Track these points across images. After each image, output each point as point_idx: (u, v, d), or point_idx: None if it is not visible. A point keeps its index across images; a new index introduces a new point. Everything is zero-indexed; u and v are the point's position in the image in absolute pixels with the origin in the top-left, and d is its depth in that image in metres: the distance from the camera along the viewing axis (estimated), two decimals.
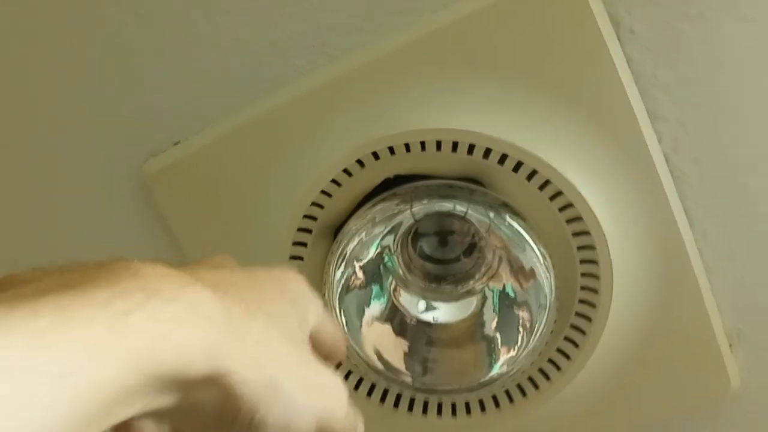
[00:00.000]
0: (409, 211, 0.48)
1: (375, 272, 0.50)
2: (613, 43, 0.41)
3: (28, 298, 0.20)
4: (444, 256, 0.52)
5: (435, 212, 0.48)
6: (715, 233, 0.47)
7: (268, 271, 0.29)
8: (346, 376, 0.50)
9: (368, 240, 0.48)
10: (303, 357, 0.26)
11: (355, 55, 0.43)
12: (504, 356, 0.46)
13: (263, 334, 0.25)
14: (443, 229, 0.52)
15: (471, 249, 0.51)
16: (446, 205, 0.47)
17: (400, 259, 0.51)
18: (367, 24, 0.42)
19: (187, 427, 0.25)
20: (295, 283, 0.30)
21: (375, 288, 0.49)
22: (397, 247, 0.51)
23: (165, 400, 0.22)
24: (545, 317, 0.45)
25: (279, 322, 0.26)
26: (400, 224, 0.49)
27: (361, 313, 0.48)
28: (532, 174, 0.44)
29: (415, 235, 0.51)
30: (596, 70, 0.41)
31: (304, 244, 0.48)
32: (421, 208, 0.47)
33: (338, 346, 0.33)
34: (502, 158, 0.44)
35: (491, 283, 0.49)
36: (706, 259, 0.47)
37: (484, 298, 0.49)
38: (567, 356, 0.48)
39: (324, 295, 0.47)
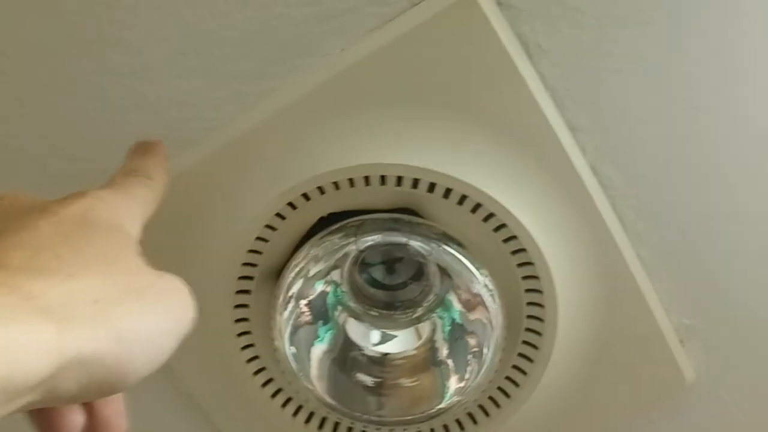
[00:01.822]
0: (353, 245, 0.48)
1: (323, 308, 0.50)
2: (523, 62, 0.42)
3: None
4: (392, 282, 0.52)
5: (379, 243, 0.48)
6: (648, 233, 0.47)
7: (68, 209, 0.27)
8: (296, 412, 0.50)
9: (313, 277, 0.48)
10: (142, 281, 0.26)
11: (268, 101, 0.43)
12: (455, 385, 0.46)
13: (96, 289, 0.24)
14: (389, 257, 0.52)
15: (419, 275, 0.52)
16: (389, 237, 0.47)
17: (349, 291, 0.51)
18: (273, 70, 0.43)
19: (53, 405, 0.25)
20: (101, 204, 0.28)
21: (324, 323, 0.49)
22: (344, 279, 0.51)
23: (20, 402, 0.21)
24: (493, 342, 0.45)
25: (104, 262, 0.25)
26: (345, 257, 0.50)
27: (312, 351, 0.48)
28: (463, 199, 0.44)
29: (362, 265, 0.51)
30: (509, 89, 0.41)
31: (247, 291, 0.48)
32: (364, 240, 0.48)
33: (159, 190, 0.33)
34: (431, 186, 0.44)
35: (440, 310, 0.50)
36: (644, 261, 0.48)
37: (435, 326, 0.49)
38: (521, 374, 0.48)
39: (273, 339, 0.47)
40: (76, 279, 0.24)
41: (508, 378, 0.49)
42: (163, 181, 0.34)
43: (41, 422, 0.26)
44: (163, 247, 0.47)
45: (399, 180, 0.44)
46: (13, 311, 0.21)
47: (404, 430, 0.48)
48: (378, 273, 0.52)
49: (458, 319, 0.48)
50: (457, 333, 0.48)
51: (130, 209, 0.30)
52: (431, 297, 0.50)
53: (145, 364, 0.24)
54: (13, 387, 0.20)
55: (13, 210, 0.27)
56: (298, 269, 0.47)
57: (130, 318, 0.24)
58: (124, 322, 0.24)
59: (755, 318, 0.49)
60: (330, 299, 0.49)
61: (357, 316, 0.50)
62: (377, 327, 0.50)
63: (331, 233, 0.46)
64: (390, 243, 0.48)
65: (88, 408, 0.27)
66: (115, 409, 0.27)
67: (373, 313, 0.51)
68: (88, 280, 0.24)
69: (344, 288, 0.51)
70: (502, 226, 0.44)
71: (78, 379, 0.22)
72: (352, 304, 0.51)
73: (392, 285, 0.52)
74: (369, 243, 0.48)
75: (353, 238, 0.47)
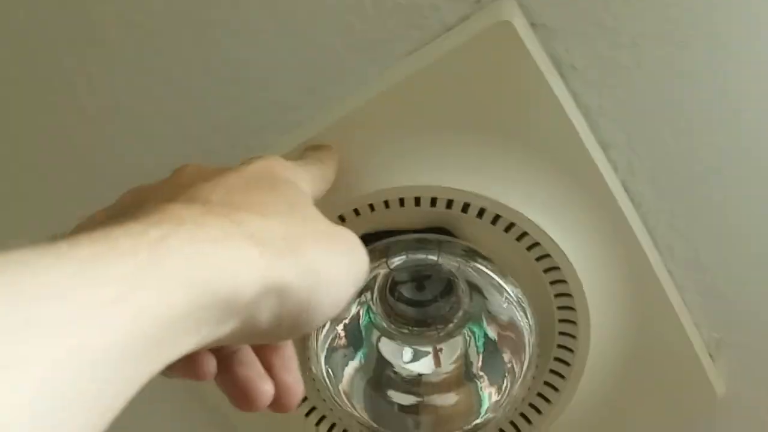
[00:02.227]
0: (384, 266, 0.48)
1: (357, 330, 0.50)
2: (555, 82, 0.42)
3: (65, 236, 0.19)
4: (422, 298, 0.53)
5: (409, 262, 0.48)
6: (680, 248, 0.48)
7: (251, 165, 0.30)
8: (330, 430, 0.50)
9: None
10: (323, 227, 0.28)
11: (304, 127, 0.43)
12: (490, 400, 0.46)
13: (284, 229, 0.25)
14: (419, 275, 0.52)
15: (448, 291, 0.52)
16: (418, 256, 0.48)
17: (381, 311, 0.51)
18: (308, 97, 0.43)
19: (251, 342, 0.27)
20: (278, 166, 0.31)
21: (358, 345, 0.50)
22: (376, 299, 0.51)
23: (229, 326, 0.22)
24: (526, 356, 0.46)
25: (288, 208, 0.27)
26: (375, 278, 0.50)
27: (348, 372, 0.49)
28: (496, 218, 0.44)
29: (392, 284, 0.52)
30: (543, 109, 0.42)
31: None
32: (394, 260, 0.48)
33: (329, 175, 0.37)
34: (465, 207, 0.44)
35: (472, 325, 0.50)
36: (675, 276, 0.48)
37: (468, 341, 0.50)
38: (553, 390, 0.48)
39: (308, 359, 0.48)
40: (267, 217, 0.25)
41: (540, 394, 0.49)
42: (333, 166, 0.38)
43: (237, 392, 0.27)
44: None
45: (433, 201, 0.45)
46: (226, 233, 0.22)
47: None
48: (408, 290, 0.52)
49: (491, 335, 0.48)
50: (490, 348, 0.48)
51: (304, 177, 0.32)
52: (461, 313, 0.51)
53: (331, 303, 0.26)
54: (234, 302, 0.21)
55: (199, 172, 0.29)
56: None
57: (317, 256, 0.25)
58: (314, 258, 0.25)
59: None
60: (363, 321, 0.50)
61: (389, 335, 0.50)
62: (409, 344, 0.51)
63: None
64: (420, 262, 0.49)
65: (271, 373, 0.28)
66: (294, 376, 0.29)
67: (404, 330, 0.51)
68: (277, 220, 0.25)
69: (376, 308, 0.51)
70: (536, 244, 0.45)
71: (273, 309, 0.23)
72: (384, 323, 0.51)
73: (422, 301, 0.52)
74: (400, 262, 0.48)
75: (384, 259, 0.48)
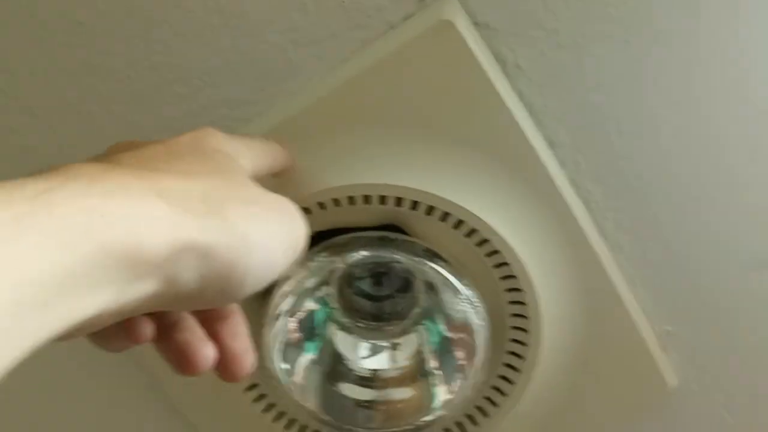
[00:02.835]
0: (339, 263, 0.49)
1: (311, 324, 0.50)
2: (500, 81, 0.43)
3: None
4: (379, 293, 0.53)
5: (366, 258, 0.49)
6: (629, 245, 0.48)
7: (181, 136, 0.29)
8: (288, 426, 0.51)
9: (300, 294, 0.49)
10: (252, 193, 0.26)
11: (253, 125, 0.44)
12: (443, 397, 0.47)
13: (205, 188, 0.24)
14: (377, 270, 0.53)
15: (405, 287, 0.53)
16: (372, 254, 0.48)
17: (338, 304, 0.52)
18: (257, 95, 0.43)
19: (183, 307, 0.26)
20: (210, 136, 0.29)
21: (314, 339, 0.50)
22: (332, 293, 0.52)
23: (144, 287, 0.21)
24: (479, 355, 0.46)
25: (213, 172, 0.26)
26: (332, 273, 0.50)
27: (303, 365, 0.49)
28: (445, 216, 0.45)
29: (349, 278, 0.52)
30: (487, 108, 0.42)
31: None
32: (349, 257, 0.48)
33: (278, 156, 0.35)
34: (414, 204, 0.45)
35: (427, 322, 0.51)
36: (626, 271, 0.49)
37: (422, 338, 0.50)
38: (507, 383, 0.49)
39: (262, 355, 0.48)
40: (185, 178, 0.24)
41: (494, 387, 0.50)
42: (279, 149, 0.36)
43: (176, 356, 0.26)
44: None
45: (382, 199, 0.45)
46: (130, 188, 0.21)
47: None
48: (366, 285, 0.53)
49: (444, 332, 0.49)
50: (444, 346, 0.48)
51: (241, 150, 0.30)
52: (417, 309, 0.51)
53: (261, 266, 0.25)
54: (137, 258, 0.20)
55: (129, 144, 0.28)
56: (285, 287, 0.47)
57: (245, 220, 0.24)
58: (237, 219, 0.24)
59: (735, 323, 0.50)
60: (319, 315, 0.50)
61: (346, 329, 0.51)
62: (366, 338, 0.51)
63: (317, 252, 0.46)
64: (376, 260, 0.49)
65: (218, 341, 0.28)
66: (242, 344, 0.28)
67: (361, 325, 0.52)
68: (197, 182, 0.24)
69: (333, 302, 0.51)
70: (485, 241, 0.45)
71: (198, 270, 0.22)
72: (340, 317, 0.51)
73: (379, 296, 0.53)
74: (355, 260, 0.49)
75: (339, 257, 0.48)
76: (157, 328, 0.26)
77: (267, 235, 0.25)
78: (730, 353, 0.51)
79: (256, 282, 0.25)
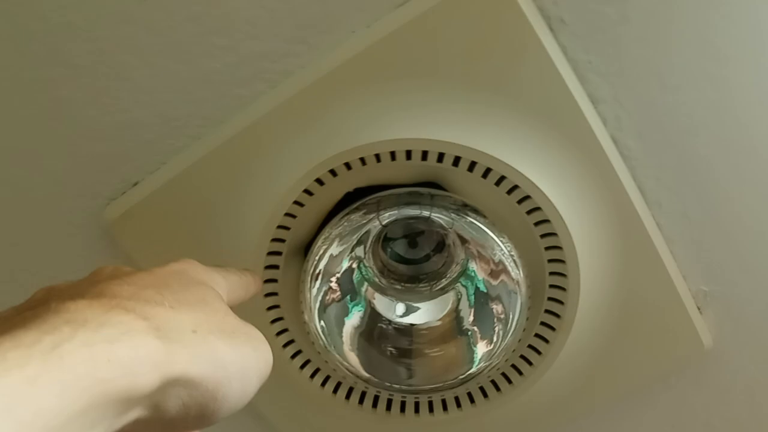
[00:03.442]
0: (376, 220, 0.49)
1: (350, 283, 0.51)
2: (546, 35, 0.42)
3: None
4: (415, 256, 0.53)
5: (401, 218, 0.49)
6: (668, 202, 0.48)
7: (166, 266, 0.31)
8: (324, 382, 0.51)
9: (339, 253, 0.49)
10: (231, 324, 0.29)
11: (295, 78, 0.44)
12: (483, 350, 0.47)
13: (193, 322, 0.27)
14: (411, 231, 0.53)
15: (440, 247, 0.53)
16: (410, 211, 0.48)
17: (373, 266, 0.52)
18: (299, 47, 0.43)
19: (158, 431, 0.27)
20: (193, 269, 0.32)
21: (352, 299, 0.50)
22: (368, 255, 0.52)
23: (131, 416, 0.23)
24: (519, 307, 0.46)
25: (199, 303, 0.29)
26: (368, 233, 0.51)
27: (342, 324, 0.49)
28: (487, 172, 0.45)
29: (384, 240, 0.52)
30: (533, 63, 0.42)
31: (276, 266, 0.49)
32: (386, 215, 0.48)
33: (250, 287, 0.37)
34: (456, 160, 0.45)
35: (464, 280, 0.51)
36: (664, 229, 0.49)
37: (459, 295, 0.51)
38: (543, 342, 0.49)
39: (302, 313, 0.48)
40: (177, 311, 0.27)
41: (530, 346, 0.50)
42: (254, 285, 0.39)
43: None
44: (195, 223, 0.48)
45: (424, 154, 0.45)
46: (130, 331, 0.24)
47: (429, 397, 0.50)
48: (400, 247, 0.53)
49: (482, 287, 0.49)
50: (482, 300, 0.49)
51: (219, 281, 0.34)
52: (454, 267, 0.51)
53: (238, 395, 0.27)
54: (132, 396, 0.23)
55: (115, 271, 0.30)
56: (324, 246, 0.48)
57: (225, 350, 0.27)
58: (221, 352, 0.27)
59: None
60: (356, 275, 0.50)
61: (382, 291, 0.51)
62: (402, 300, 0.51)
63: (354, 210, 0.47)
64: (412, 216, 0.49)
65: None
66: None
67: (397, 287, 0.52)
68: (187, 315, 0.27)
69: (369, 263, 0.52)
70: (526, 197, 0.45)
71: (182, 398, 0.25)
72: (376, 279, 0.52)
73: (415, 259, 0.53)
74: (391, 217, 0.49)
75: (375, 214, 0.48)
76: None
77: (243, 366, 0.28)
78: (766, 315, 0.51)
79: (231, 409, 0.27)
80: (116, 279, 0.28)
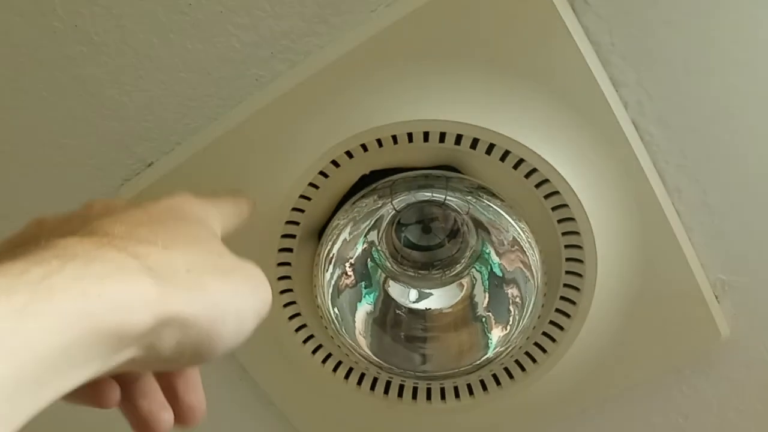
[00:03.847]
0: (389, 205, 0.48)
1: (364, 269, 0.50)
2: (569, 16, 0.42)
3: None
4: (429, 242, 0.53)
5: (415, 202, 0.48)
6: (688, 190, 0.47)
7: (159, 202, 0.30)
8: (336, 367, 0.51)
9: (353, 238, 0.49)
10: (227, 263, 0.28)
11: (315, 58, 0.43)
12: (498, 335, 0.46)
13: (188, 261, 0.26)
14: (425, 217, 0.52)
15: (454, 233, 0.52)
16: (425, 194, 0.48)
17: (387, 252, 0.52)
18: (320, 27, 0.43)
19: (154, 369, 0.28)
20: (187, 203, 0.32)
21: (366, 284, 0.50)
22: (382, 240, 0.51)
23: (125, 355, 0.23)
24: (535, 292, 0.46)
25: (193, 242, 0.28)
26: (381, 218, 0.50)
27: (355, 310, 0.49)
28: (505, 155, 0.44)
29: (398, 226, 0.52)
30: (555, 44, 0.42)
31: (290, 250, 0.48)
32: (400, 200, 0.48)
33: (243, 212, 0.37)
34: (474, 143, 0.44)
35: (478, 265, 0.50)
36: (683, 217, 0.48)
37: (474, 280, 0.50)
38: (558, 329, 0.49)
39: (315, 297, 0.48)
40: (170, 251, 0.26)
41: (545, 333, 0.50)
42: (247, 208, 0.38)
43: (139, 422, 0.29)
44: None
45: (442, 136, 0.44)
46: (122, 268, 0.23)
47: (441, 384, 0.49)
48: (414, 233, 0.52)
49: (497, 271, 0.49)
50: (497, 285, 0.48)
51: (213, 213, 0.33)
52: (468, 253, 0.51)
53: (233, 334, 0.27)
54: (124, 334, 0.22)
55: (107, 206, 0.29)
56: (338, 230, 0.47)
57: (221, 289, 0.26)
58: (216, 292, 0.26)
59: None
60: (370, 261, 0.50)
61: (395, 277, 0.51)
62: (415, 286, 0.51)
63: (368, 194, 0.46)
64: (426, 200, 0.49)
65: (173, 396, 0.30)
66: (197, 396, 0.30)
67: (410, 273, 0.52)
68: (181, 254, 0.26)
69: (382, 249, 0.51)
70: (545, 181, 0.45)
71: (177, 338, 0.24)
72: (389, 264, 0.51)
73: (429, 245, 0.53)
74: (405, 202, 0.48)
75: (389, 198, 0.48)
76: (121, 390, 0.28)
77: (239, 306, 0.27)
78: None
79: (226, 347, 0.27)
80: (108, 216, 0.27)
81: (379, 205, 0.48)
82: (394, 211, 0.50)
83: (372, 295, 0.49)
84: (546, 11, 0.41)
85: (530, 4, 0.41)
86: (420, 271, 0.52)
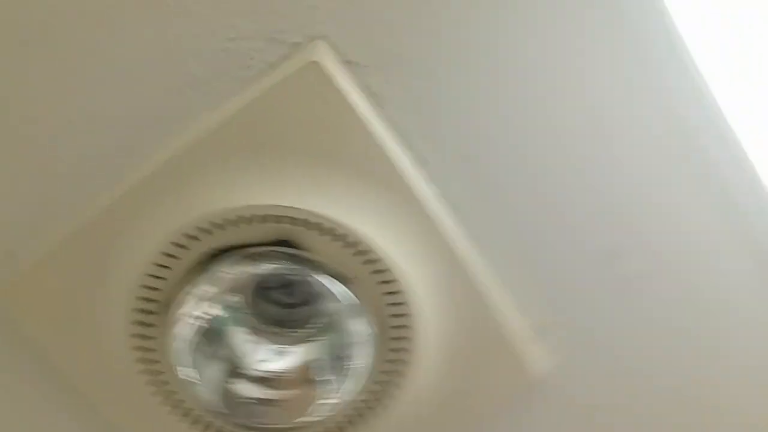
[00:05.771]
0: (236, 275, 0.54)
1: (213, 327, 0.55)
2: (368, 110, 0.49)
3: None
4: (283, 302, 0.58)
5: (257, 274, 0.54)
6: (493, 244, 0.54)
7: None
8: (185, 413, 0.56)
9: (203, 302, 0.54)
10: None
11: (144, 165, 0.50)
12: (329, 400, 0.52)
13: None
14: (282, 281, 0.58)
15: (307, 299, 0.58)
16: (268, 267, 0.54)
17: (242, 309, 0.57)
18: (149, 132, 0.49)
19: None
20: None
21: (214, 342, 0.55)
22: (241, 300, 0.56)
23: None
24: (366, 362, 0.52)
25: None
26: (236, 284, 0.55)
27: (205, 364, 0.54)
28: (331, 231, 0.51)
29: (258, 287, 0.57)
30: (355, 135, 0.49)
31: (150, 324, 0.54)
32: (246, 271, 0.54)
33: None
34: (305, 223, 0.50)
35: (322, 332, 0.56)
36: (498, 265, 0.55)
37: (318, 345, 0.56)
38: (389, 390, 0.55)
39: (171, 361, 0.53)
40: None
41: (375, 392, 0.55)
42: None
43: None
44: (73, 287, 0.53)
45: (278, 217, 0.51)
46: None
47: None
48: (269, 296, 0.58)
49: (336, 340, 0.55)
50: (334, 354, 0.54)
51: None
52: (316, 319, 0.57)
53: None
54: None
55: None
56: (190, 298, 0.53)
57: None
58: None
59: (601, 317, 0.56)
60: (221, 319, 0.55)
61: (247, 333, 0.56)
62: (267, 343, 0.56)
63: (215, 267, 0.52)
64: (274, 271, 0.54)
65: None
66: None
67: (265, 329, 0.57)
68: None
69: (238, 306, 0.56)
70: (373, 258, 0.51)
71: None
72: (242, 322, 0.57)
73: (284, 304, 0.58)
74: (253, 273, 0.54)
75: (240, 267, 0.53)
76: None
77: None
78: (594, 347, 0.57)
79: None
80: None
81: (227, 276, 0.54)
82: (248, 279, 0.55)
83: (221, 352, 0.54)
84: (343, 110, 0.48)
85: (329, 106, 0.48)
86: (272, 328, 0.57)
